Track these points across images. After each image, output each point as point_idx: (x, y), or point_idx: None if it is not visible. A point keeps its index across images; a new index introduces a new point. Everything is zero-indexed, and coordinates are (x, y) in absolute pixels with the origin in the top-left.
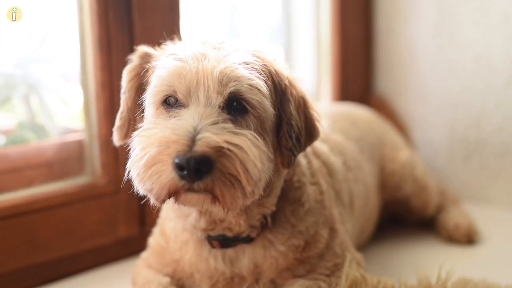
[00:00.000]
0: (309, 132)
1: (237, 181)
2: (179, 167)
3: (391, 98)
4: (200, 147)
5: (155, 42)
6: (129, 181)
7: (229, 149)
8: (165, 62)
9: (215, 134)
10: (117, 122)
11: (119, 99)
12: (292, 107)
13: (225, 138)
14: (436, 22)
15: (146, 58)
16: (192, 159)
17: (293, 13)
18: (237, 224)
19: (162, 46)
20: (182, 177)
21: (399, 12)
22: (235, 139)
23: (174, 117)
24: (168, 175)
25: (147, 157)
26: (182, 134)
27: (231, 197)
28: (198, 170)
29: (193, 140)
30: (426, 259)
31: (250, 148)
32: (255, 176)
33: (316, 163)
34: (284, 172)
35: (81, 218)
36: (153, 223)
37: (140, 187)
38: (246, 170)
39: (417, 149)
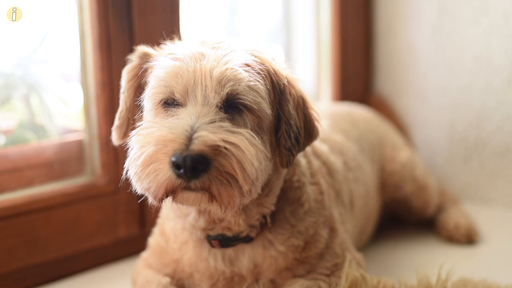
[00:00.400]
0: (308, 132)
1: (234, 179)
2: (176, 166)
3: (391, 98)
4: (196, 146)
5: (155, 42)
6: (128, 180)
7: (225, 148)
8: (163, 62)
9: (212, 133)
10: (116, 121)
11: (119, 99)
12: (291, 107)
13: (222, 137)
14: (436, 22)
15: (146, 58)
16: (188, 157)
17: (293, 13)
18: (236, 223)
19: (162, 46)
20: (179, 175)
21: (399, 12)
22: (232, 138)
23: (172, 116)
24: (165, 173)
25: (144, 156)
26: (179, 132)
27: (228, 195)
28: (194, 168)
29: (190, 139)
30: (426, 259)
31: (247, 147)
32: (252, 174)
33: (316, 163)
34: (284, 172)
35: (81, 218)
36: (153, 223)
37: (138, 186)
38: (243, 168)
39: (417, 149)
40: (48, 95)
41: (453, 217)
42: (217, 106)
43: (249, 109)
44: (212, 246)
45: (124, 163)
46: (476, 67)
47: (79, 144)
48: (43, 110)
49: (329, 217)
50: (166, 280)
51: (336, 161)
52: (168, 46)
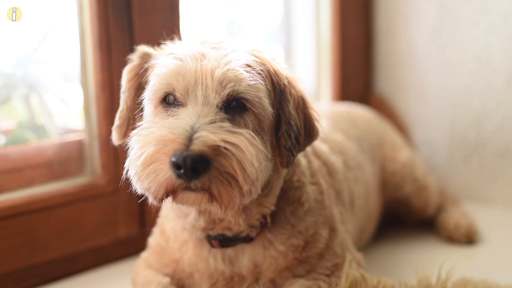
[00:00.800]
0: (308, 132)
1: (234, 180)
2: (176, 166)
3: (391, 98)
4: (197, 146)
5: (155, 42)
6: (128, 180)
7: (226, 148)
8: (164, 61)
9: (212, 133)
10: (116, 121)
11: (119, 99)
12: (291, 107)
13: (222, 137)
14: (436, 22)
15: (146, 57)
16: (188, 157)
17: (293, 13)
18: (237, 223)
19: (162, 46)
20: (179, 176)
21: (399, 12)
22: (232, 138)
23: (172, 116)
24: (165, 174)
25: (145, 156)
26: (179, 133)
27: (228, 196)
28: (194, 168)
29: (190, 139)
30: (426, 259)
31: (247, 147)
32: (252, 175)
33: (316, 163)
34: (284, 172)
35: (81, 218)
36: (153, 223)
37: (138, 186)
38: (243, 169)
39: (417, 149)
40: (48, 95)
41: (453, 217)
42: (217, 106)
43: (250, 109)
44: (212, 246)
45: (124, 163)
46: (476, 67)
47: (79, 144)
48: (43, 110)
49: (329, 216)
50: (166, 280)
51: (336, 160)
52: (168, 46)
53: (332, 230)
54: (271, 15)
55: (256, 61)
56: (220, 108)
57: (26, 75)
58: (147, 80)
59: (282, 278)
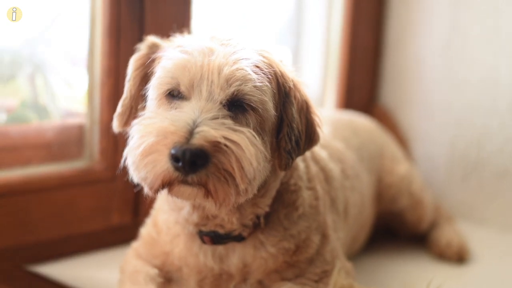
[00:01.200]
0: (309, 136)
1: (231, 177)
2: (174, 158)
3: (394, 110)
4: (197, 140)
5: (165, 33)
6: (125, 168)
7: (226, 145)
8: (171, 54)
9: (214, 129)
10: (119, 108)
11: (123, 86)
12: (294, 110)
13: (223, 134)
14: (447, 39)
15: (154, 48)
16: (188, 151)
17: (304, 16)
18: (230, 221)
19: (171, 38)
20: (176, 168)
21: (411, 25)
22: (233, 136)
23: (175, 108)
24: (163, 165)
25: (144, 146)
26: (181, 126)
27: (224, 193)
28: (193, 162)
29: (191, 133)
30: (415, 274)
31: (247, 146)
32: (250, 174)
33: (314, 168)
34: (281, 174)
35: (75, 202)
36: (146, 213)
37: (135, 175)
38: (241, 167)
39: (417, 163)
40: (54, 77)
41: (446, 235)
42: (221, 103)
43: (253, 109)
44: (203, 242)
45: (123, 150)
46: (482, 86)
47: (80, 128)
48: (47, 91)
49: (322, 223)
50: (154, 271)
51: (334, 168)
52: (177, 39)
53: (324, 236)
54: (282, 16)
55: (264, 62)
56: (224, 105)
57: (33, 55)
58: (153, 71)
59: (270, 280)
